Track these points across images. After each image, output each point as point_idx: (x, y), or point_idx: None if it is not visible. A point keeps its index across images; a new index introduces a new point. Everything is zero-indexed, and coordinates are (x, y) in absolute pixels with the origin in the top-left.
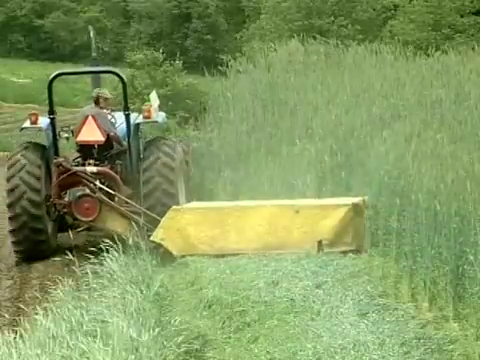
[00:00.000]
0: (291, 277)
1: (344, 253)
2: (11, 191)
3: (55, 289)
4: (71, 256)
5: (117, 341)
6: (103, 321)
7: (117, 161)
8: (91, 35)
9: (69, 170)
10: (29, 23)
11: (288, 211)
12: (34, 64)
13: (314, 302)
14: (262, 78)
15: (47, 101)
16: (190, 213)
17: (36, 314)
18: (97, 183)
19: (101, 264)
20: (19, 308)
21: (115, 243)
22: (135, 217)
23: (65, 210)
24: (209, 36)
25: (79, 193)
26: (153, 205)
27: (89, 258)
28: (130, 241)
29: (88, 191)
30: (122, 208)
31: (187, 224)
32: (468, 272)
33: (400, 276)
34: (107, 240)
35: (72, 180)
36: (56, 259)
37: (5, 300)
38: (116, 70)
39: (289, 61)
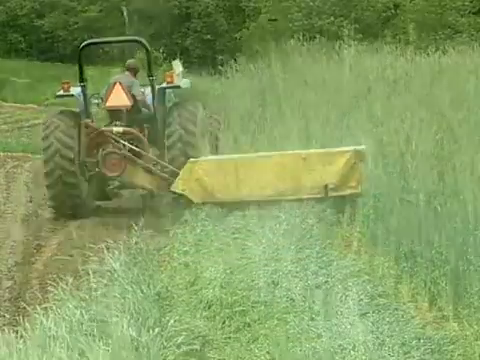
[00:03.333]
0: (291, 277)
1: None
2: (46, 148)
3: (55, 289)
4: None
5: (117, 341)
6: (103, 321)
7: (145, 125)
8: (124, 14)
9: (96, 130)
10: (29, 23)
11: (296, 159)
12: (34, 64)
13: (314, 302)
14: (262, 78)
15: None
16: (206, 164)
17: (36, 314)
18: (125, 142)
19: (102, 263)
20: (19, 308)
21: (116, 242)
22: (159, 172)
23: (97, 169)
24: (209, 36)
25: (106, 150)
26: (175, 156)
27: (90, 257)
28: (133, 240)
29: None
30: (147, 165)
31: (204, 175)
32: (468, 272)
33: (400, 276)
34: (108, 239)
35: (100, 140)
36: (57, 258)
37: (5, 300)
38: (140, 39)
39: (289, 61)
